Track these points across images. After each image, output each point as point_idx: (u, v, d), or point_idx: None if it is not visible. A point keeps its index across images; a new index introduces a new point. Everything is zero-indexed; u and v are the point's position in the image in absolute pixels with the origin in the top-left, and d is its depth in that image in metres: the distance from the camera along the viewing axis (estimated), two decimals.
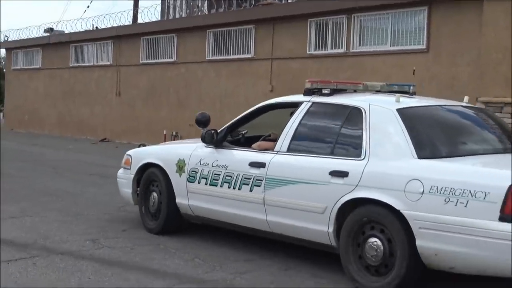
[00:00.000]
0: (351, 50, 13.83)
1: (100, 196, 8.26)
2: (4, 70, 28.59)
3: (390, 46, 13.15)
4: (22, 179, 10.17)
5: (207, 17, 19.83)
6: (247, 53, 16.30)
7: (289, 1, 19.08)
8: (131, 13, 23.81)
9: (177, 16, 25.58)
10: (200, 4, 24.48)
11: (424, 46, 12.54)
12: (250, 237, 5.56)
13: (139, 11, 24.18)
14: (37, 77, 25.84)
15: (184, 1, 26.06)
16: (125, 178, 6.46)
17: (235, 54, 16.66)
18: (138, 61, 20.30)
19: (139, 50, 20.25)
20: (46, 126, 24.61)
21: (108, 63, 21.79)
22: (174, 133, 16.96)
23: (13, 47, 27.41)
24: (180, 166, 5.77)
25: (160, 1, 26.79)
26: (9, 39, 27.40)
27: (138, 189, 6.29)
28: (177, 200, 5.80)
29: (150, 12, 22.72)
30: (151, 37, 19.85)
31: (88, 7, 27.79)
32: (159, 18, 23.38)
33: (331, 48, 14.28)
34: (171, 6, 27.13)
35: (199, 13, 22.89)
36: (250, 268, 4.90)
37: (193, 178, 5.63)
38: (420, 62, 12.59)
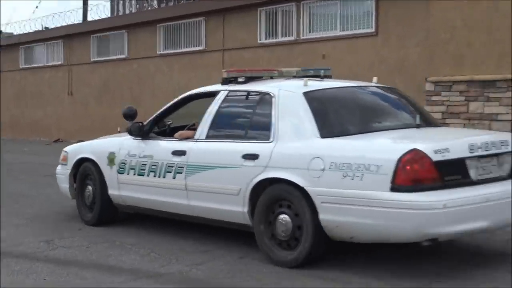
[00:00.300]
0: (301, 37, 14.05)
1: (55, 197, 8.15)
2: None
3: (340, 31, 13.36)
4: None
5: (157, 11, 19.76)
6: (198, 46, 16.28)
7: None
8: (80, 11, 23.86)
9: (127, 11, 25.32)
10: None
11: (373, 30, 12.79)
12: (205, 228, 5.62)
13: (89, 8, 23.93)
14: None
15: None
16: (63, 174, 6.75)
17: (186, 47, 16.66)
18: (89, 59, 20.07)
19: (90, 48, 20.07)
20: None
21: (59, 63, 21.57)
22: None
23: None
24: (111, 159, 6.03)
25: None
26: None
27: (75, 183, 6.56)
28: (110, 192, 6.06)
29: (99, 9, 22.43)
30: (101, 34, 19.71)
31: (37, 7, 27.72)
32: (109, 15, 23.28)
33: (282, 36, 14.45)
34: (121, 2, 26.79)
35: (149, 8, 22.75)
36: (206, 259, 4.95)
37: (122, 169, 5.91)
38: (369, 46, 12.90)
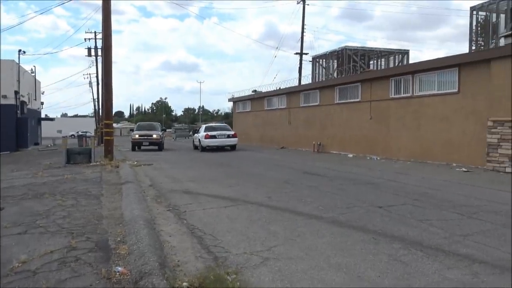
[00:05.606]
0: (414, 94, 19.26)
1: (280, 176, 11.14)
2: None
3: (436, 90, 18.18)
4: None
5: (335, 80, 29.48)
6: (357, 98, 23.83)
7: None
8: (296, 80, 38.33)
9: (320, 80, 39.96)
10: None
11: (456, 90, 17.16)
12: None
13: (302, 78, 39.41)
14: None
15: None
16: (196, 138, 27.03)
17: (350, 99, 24.37)
18: (299, 105, 29.82)
19: (300, 99, 29.85)
20: None
21: (284, 107, 32.29)
22: None
23: None
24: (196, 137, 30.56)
25: None
26: None
27: None
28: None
29: (307, 79, 39.75)
30: (306, 92, 29.42)
31: (275, 77, 37.40)
32: (311, 81, 37.65)
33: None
34: (316, 76, 42.78)
35: (330, 77, 36.62)
36: (348, 211, 7.11)
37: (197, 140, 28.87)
38: (454, 99, 17.77)
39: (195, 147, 30.70)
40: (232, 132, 28.92)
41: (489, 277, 4.37)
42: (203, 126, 30.87)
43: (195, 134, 32.03)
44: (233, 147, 28.33)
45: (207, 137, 27.74)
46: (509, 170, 14.38)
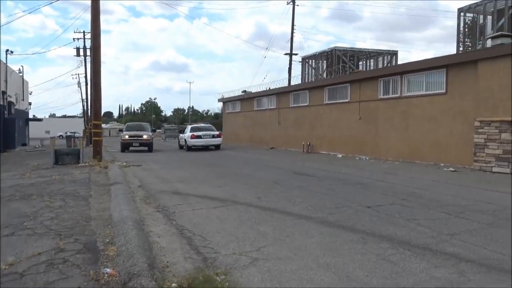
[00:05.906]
0: (402, 95, 19.62)
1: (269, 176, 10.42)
2: None
3: (425, 91, 18.60)
4: None
5: (324, 80, 29.47)
6: (346, 99, 23.85)
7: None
8: (286, 80, 39.61)
9: (309, 80, 39.98)
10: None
11: (444, 90, 17.46)
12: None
13: (292, 78, 39.84)
14: None
15: None
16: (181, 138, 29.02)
17: (340, 99, 24.59)
18: (289, 106, 29.89)
19: (289, 99, 29.92)
20: None
21: (273, 107, 32.30)
22: None
23: None
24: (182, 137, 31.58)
25: None
26: None
27: None
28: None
29: (297, 79, 39.71)
30: (295, 92, 29.69)
31: (265, 77, 34.45)
32: (300, 82, 38.05)
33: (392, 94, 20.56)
34: (305, 76, 42.82)
35: (319, 78, 36.78)
36: (337, 211, 7.03)
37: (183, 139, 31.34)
38: (442, 99, 17.95)
39: (181, 147, 31.97)
40: (217, 133, 30.30)
41: (475, 275, 4.41)
42: (189, 127, 32.07)
43: (181, 134, 33.05)
44: (217, 147, 29.61)
45: (192, 137, 28.96)
46: (496, 170, 14.56)
